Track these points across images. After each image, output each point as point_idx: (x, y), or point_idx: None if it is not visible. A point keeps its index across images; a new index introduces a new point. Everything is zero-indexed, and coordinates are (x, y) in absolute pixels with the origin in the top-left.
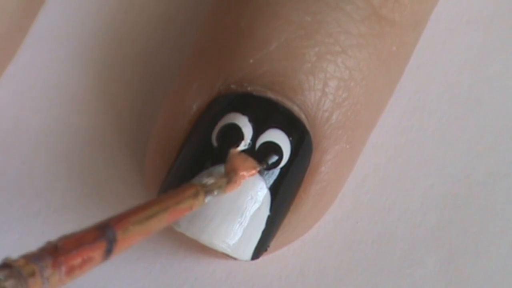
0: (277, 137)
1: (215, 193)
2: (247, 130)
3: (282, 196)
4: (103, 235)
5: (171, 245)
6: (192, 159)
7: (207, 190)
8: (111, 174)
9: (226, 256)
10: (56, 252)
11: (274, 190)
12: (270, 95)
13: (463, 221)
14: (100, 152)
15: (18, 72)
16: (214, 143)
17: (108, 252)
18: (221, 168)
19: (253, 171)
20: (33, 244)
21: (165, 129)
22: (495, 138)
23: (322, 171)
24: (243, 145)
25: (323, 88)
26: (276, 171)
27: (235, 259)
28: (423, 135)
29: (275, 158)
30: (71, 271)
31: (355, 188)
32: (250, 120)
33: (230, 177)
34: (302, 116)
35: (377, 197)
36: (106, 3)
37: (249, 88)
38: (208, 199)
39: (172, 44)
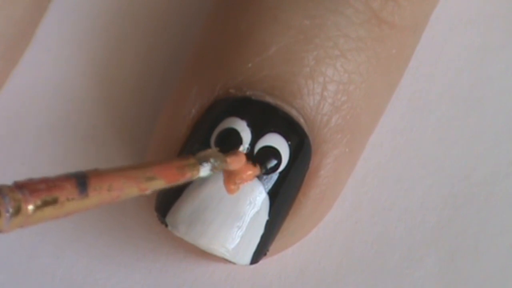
0: (276, 141)
1: (212, 160)
2: (246, 135)
3: (281, 201)
4: (71, 175)
5: (171, 245)
6: None
7: (201, 157)
8: None
9: (225, 260)
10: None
11: (273, 194)
12: (269, 99)
13: (463, 221)
14: (100, 152)
15: (18, 73)
16: (213, 147)
17: (82, 186)
18: None
19: (252, 176)
20: (33, 244)
21: (164, 133)
22: (495, 138)
23: (321, 175)
24: (241, 150)
25: (322, 92)
26: (275, 176)
27: (234, 263)
28: (423, 135)
29: (273, 162)
30: (35, 192)
31: (355, 188)
32: (248, 125)
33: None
34: (301, 120)
35: (377, 197)
36: (107, 7)
37: (248, 93)
38: (206, 167)
39: (173, 47)
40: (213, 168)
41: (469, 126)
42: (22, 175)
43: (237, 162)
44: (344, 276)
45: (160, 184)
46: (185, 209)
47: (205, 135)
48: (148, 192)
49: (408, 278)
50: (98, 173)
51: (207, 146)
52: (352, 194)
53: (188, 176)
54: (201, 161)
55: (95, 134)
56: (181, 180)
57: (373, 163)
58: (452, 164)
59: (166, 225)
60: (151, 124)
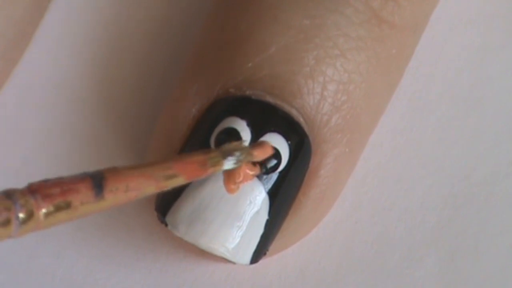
0: (276, 141)
1: (237, 154)
2: (246, 134)
3: (281, 200)
4: (88, 176)
5: (171, 246)
6: None
7: (225, 151)
8: None
9: (225, 260)
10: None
11: (273, 194)
12: (269, 99)
13: (463, 221)
14: (100, 152)
15: (18, 73)
16: (213, 147)
17: (98, 188)
18: None
19: (252, 175)
20: (33, 244)
21: (164, 132)
22: (495, 138)
23: (321, 175)
24: None
25: (322, 92)
26: (274, 175)
27: (234, 263)
28: (423, 135)
29: (273, 162)
30: (48, 197)
31: (355, 188)
32: (248, 124)
33: (255, 143)
34: (301, 120)
35: (377, 197)
36: (107, 8)
37: (248, 92)
38: (231, 161)
39: (172, 47)
40: (238, 161)
41: (469, 126)
42: (22, 175)
43: (263, 153)
44: (344, 276)
45: (180, 181)
46: (185, 208)
47: (205, 135)
48: (166, 189)
49: (408, 278)
50: (115, 173)
51: (207, 146)
52: (352, 194)
53: (210, 171)
54: (225, 155)
55: (95, 134)
56: (202, 176)
57: (373, 163)
58: (452, 164)
59: (166, 225)
60: (151, 124)
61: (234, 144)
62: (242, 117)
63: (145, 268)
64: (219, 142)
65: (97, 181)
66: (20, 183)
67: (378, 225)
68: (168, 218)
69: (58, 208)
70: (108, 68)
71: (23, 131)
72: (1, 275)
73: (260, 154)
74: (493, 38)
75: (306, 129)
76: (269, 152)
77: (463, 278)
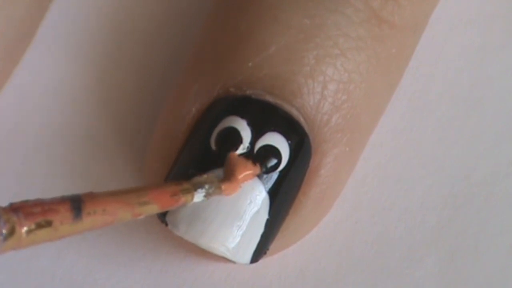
0: (276, 140)
1: (206, 187)
2: (246, 134)
3: (281, 200)
4: (67, 198)
5: (171, 245)
6: (190, 162)
7: (196, 183)
8: (110, 175)
9: (225, 259)
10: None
11: (273, 193)
12: (269, 98)
13: (463, 221)
14: (100, 153)
15: (19, 73)
16: (213, 146)
17: (76, 210)
18: (219, 172)
19: (252, 175)
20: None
21: (164, 132)
22: (495, 138)
23: (321, 174)
24: (241, 149)
25: (322, 91)
26: (275, 175)
27: (234, 262)
28: (423, 135)
29: (274, 161)
30: (30, 215)
31: (355, 188)
32: (248, 124)
33: (224, 175)
34: (301, 119)
35: (377, 197)
36: (107, 8)
37: (248, 92)
38: (201, 193)
39: (172, 47)
40: (207, 195)
41: (469, 126)
42: (22, 175)
43: (231, 189)
44: (344, 276)
45: (154, 209)
46: (185, 208)
47: (205, 134)
48: (141, 217)
49: (408, 278)
50: (93, 197)
51: (208, 145)
52: (352, 194)
53: (182, 201)
54: (195, 187)
55: (95, 134)
56: (174, 206)
57: (373, 163)
58: (452, 164)
59: (166, 224)
60: (151, 124)
61: (205, 177)
62: (242, 117)
63: (145, 268)
64: (220, 142)
65: (76, 204)
66: (20, 183)
67: (378, 225)
68: (169, 218)
69: (39, 226)
70: (108, 68)
71: (23, 131)
72: (1, 275)
73: (228, 189)
74: (493, 38)
75: (306, 128)
76: (236, 189)
77: (463, 278)
